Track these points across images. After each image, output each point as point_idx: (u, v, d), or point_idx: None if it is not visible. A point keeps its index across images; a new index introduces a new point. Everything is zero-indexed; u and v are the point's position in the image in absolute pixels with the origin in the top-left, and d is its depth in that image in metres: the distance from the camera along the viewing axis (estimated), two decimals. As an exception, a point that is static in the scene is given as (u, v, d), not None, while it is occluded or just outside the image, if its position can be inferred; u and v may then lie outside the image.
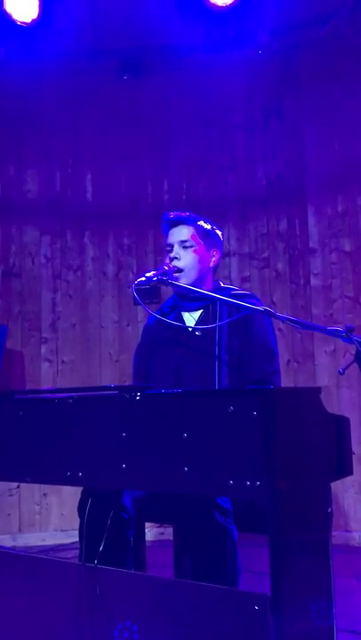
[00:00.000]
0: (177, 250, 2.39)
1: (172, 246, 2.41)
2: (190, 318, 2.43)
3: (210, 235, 2.44)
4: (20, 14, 3.88)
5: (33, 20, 3.91)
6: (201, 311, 2.41)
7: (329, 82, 4.46)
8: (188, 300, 2.43)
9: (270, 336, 2.37)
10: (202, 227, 2.42)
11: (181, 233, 2.40)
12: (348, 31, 4.30)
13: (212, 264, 2.46)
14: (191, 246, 2.38)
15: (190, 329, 2.39)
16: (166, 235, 2.46)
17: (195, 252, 2.38)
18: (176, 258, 2.37)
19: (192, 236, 2.39)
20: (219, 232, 2.49)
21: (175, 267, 2.36)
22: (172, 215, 2.45)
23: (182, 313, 2.45)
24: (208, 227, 2.44)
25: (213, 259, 2.46)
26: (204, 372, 2.29)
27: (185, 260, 2.37)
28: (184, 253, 2.38)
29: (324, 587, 1.65)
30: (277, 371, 2.36)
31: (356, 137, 4.35)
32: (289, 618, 1.50)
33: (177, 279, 2.34)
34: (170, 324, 2.37)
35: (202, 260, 2.40)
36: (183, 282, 2.34)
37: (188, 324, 2.42)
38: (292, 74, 4.58)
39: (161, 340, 2.44)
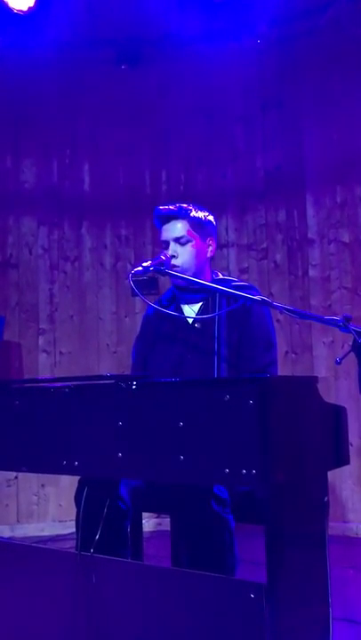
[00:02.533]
0: (173, 247, 2.35)
1: (167, 243, 2.37)
2: (190, 311, 2.41)
3: (204, 225, 2.40)
4: (17, 2, 3.86)
5: (29, 9, 3.88)
6: (201, 304, 2.40)
7: (328, 72, 4.43)
8: (187, 292, 2.41)
9: (269, 327, 2.36)
10: (195, 218, 2.37)
11: (176, 228, 2.35)
12: (347, 21, 4.28)
13: (209, 254, 2.43)
14: (188, 242, 2.34)
15: (190, 320, 2.38)
16: (159, 229, 2.42)
17: (192, 246, 2.35)
18: (174, 256, 2.34)
19: (188, 232, 2.35)
20: (212, 218, 2.44)
21: (173, 265, 2.32)
22: (163, 210, 2.39)
23: (182, 305, 2.43)
24: (201, 216, 2.39)
25: (210, 248, 2.43)
26: (203, 367, 2.27)
27: (183, 256, 2.34)
28: (181, 250, 2.34)
29: (320, 575, 1.65)
30: (275, 361, 2.35)
31: (355, 128, 4.33)
32: (285, 606, 1.50)
33: (174, 270, 2.32)
34: (169, 316, 2.35)
35: (199, 254, 2.37)
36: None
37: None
38: (291, 64, 4.55)
39: (160, 334, 2.43)
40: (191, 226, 2.36)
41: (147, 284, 4.29)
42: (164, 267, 2.28)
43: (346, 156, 4.39)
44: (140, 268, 2.22)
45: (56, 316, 4.66)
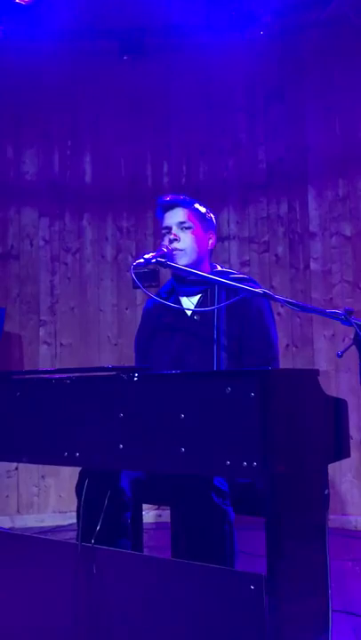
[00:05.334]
0: (176, 231, 2.37)
1: (169, 229, 2.39)
2: (189, 303, 2.41)
3: (205, 218, 2.44)
4: (19, -8, 3.84)
5: (31, -2, 3.86)
6: (199, 296, 2.40)
7: (331, 64, 4.42)
8: (186, 284, 2.42)
9: (270, 324, 2.36)
10: (197, 209, 2.42)
11: (178, 214, 2.39)
12: (351, 12, 4.25)
13: (209, 247, 2.45)
14: (189, 227, 2.38)
15: (190, 312, 2.38)
16: (161, 218, 2.44)
17: (193, 232, 2.38)
18: (176, 239, 2.36)
19: (189, 218, 2.38)
20: (212, 216, 2.49)
21: (174, 248, 2.34)
22: (168, 198, 2.43)
23: (180, 297, 2.43)
24: (203, 210, 2.44)
25: (210, 241, 2.45)
26: (204, 357, 2.28)
27: (185, 241, 2.36)
28: (183, 235, 2.37)
29: (319, 568, 1.65)
30: (276, 358, 2.35)
31: (358, 121, 4.32)
32: (284, 598, 1.51)
33: (176, 261, 2.32)
34: (169, 307, 2.35)
35: (200, 242, 2.39)
36: (183, 263, 2.32)
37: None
38: (295, 55, 4.54)
39: (160, 325, 2.43)
40: (193, 214, 2.40)
41: (147, 276, 4.32)
42: (165, 259, 2.28)
43: (348, 149, 4.37)
44: (141, 260, 2.23)
45: (57, 307, 4.66)
